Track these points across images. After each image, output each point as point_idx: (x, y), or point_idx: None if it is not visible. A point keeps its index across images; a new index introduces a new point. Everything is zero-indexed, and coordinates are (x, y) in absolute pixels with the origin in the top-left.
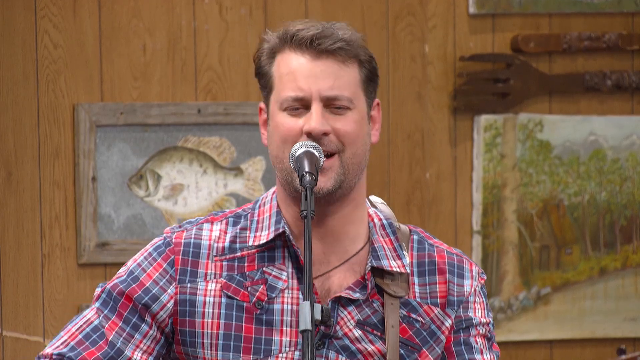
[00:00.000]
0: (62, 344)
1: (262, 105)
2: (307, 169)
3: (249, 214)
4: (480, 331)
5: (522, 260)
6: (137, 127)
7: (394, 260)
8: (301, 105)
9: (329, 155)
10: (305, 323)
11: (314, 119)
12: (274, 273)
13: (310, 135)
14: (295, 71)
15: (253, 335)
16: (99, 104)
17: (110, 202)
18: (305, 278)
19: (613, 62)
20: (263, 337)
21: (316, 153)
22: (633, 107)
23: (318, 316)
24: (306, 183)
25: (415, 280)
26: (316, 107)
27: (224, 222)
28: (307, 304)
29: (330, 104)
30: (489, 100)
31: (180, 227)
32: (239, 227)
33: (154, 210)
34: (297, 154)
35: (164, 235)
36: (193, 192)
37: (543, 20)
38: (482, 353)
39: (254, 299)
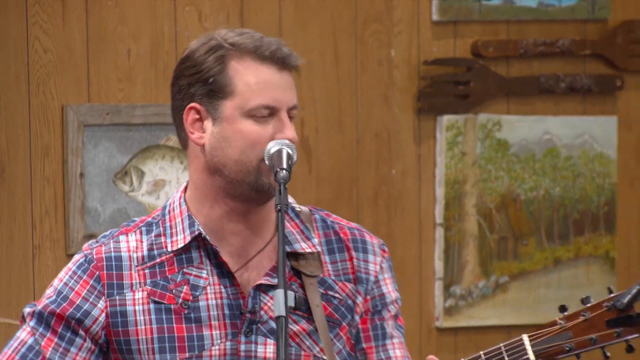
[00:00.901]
0: None
1: (197, 105)
2: (282, 165)
3: (159, 221)
4: (392, 312)
5: (481, 251)
6: (122, 126)
7: (304, 242)
8: (269, 114)
9: None
10: (280, 310)
11: (289, 128)
12: (194, 273)
13: (289, 141)
14: (267, 81)
15: (185, 334)
16: (86, 105)
17: (97, 197)
18: (280, 267)
19: (566, 66)
20: (195, 334)
21: (290, 151)
22: (585, 108)
23: (292, 303)
24: (280, 179)
25: (327, 258)
26: (286, 117)
27: (138, 232)
28: (281, 292)
29: (288, 113)
30: (451, 101)
31: (97, 242)
32: (152, 234)
33: (138, 204)
34: (272, 150)
35: (84, 252)
36: (174, 187)
37: (501, 27)
38: (392, 337)
39: (180, 300)
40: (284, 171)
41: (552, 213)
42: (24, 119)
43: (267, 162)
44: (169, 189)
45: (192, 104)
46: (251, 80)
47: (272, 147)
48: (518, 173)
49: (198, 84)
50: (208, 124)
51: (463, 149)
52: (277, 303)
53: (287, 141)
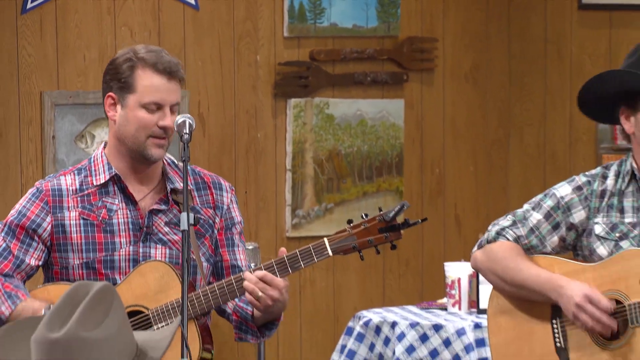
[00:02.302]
0: None
1: (113, 94)
2: (185, 131)
3: (86, 167)
4: (238, 229)
5: (316, 187)
6: (80, 105)
7: (181, 181)
8: (157, 108)
9: (164, 137)
10: (184, 226)
11: (168, 118)
12: (109, 201)
13: (164, 129)
14: (158, 86)
15: (103, 240)
16: (57, 91)
17: (64, 152)
18: (184, 198)
19: (371, 66)
20: (109, 240)
21: (191, 121)
22: (383, 94)
23: (192, 221)
24: (184, 140)
25: (196, 194)
26: (168, 111)
27: (72, 174)
28: (185, 214)
29: (171, 108)
30: (296, 89)
31: (44, 180)
32: (82, 175)
33: (91, 155)
34: (179, 121)
35: (36, 186)
36: None
37: (329, 40)
38: (238, 246)
39: (100, 218)
40: (186, 135)
41: (362, 162)
42: (16, 101)
43: (175, 128)
44: None
45: (110, 93)
46: (147, 84)
47: (180, 119)
48: (340, 136)
49: (115, 81)
50: (118, 107)
51: (304, 121)
52: (182, 221)
53: (189, 115)
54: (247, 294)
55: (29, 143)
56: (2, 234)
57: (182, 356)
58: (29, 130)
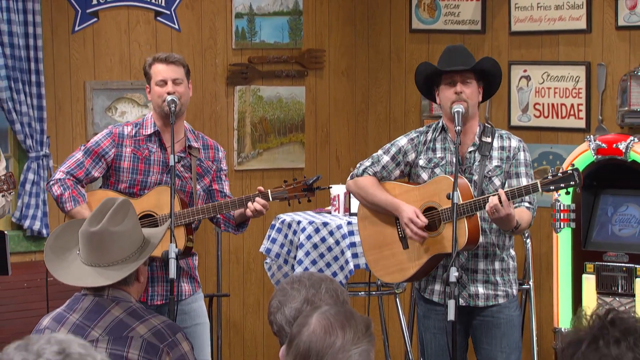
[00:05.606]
0: (66, 167)
1: (147, 85)
2: (172, 106)
3: (140, 123)
4: (225, 173)
5: (252, 139)
6: (108, 89)
7: (196, 142)
8: (164, 83)
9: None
10: (172, 162)
11: (170, 87)
12: (150, 145)
13: (170, 93)
14: (160, 69)
15: (143, 169)
16: (94, 81)
17: (98, 118)
18: (172, 143)
19: (285, 66)
20: (147, 169)
21: (177, 99)
22: (293, 83)
23: (175, 161)
24: (172, 111)
25: (202, 151)
26: (171, 83)
27: (131, 125)
28: (172, 156)
29: (174, 82)
30: (240, 80)
31: (114, 126)
32: (137, 128)
33: (115, 121)
34: (168, 99)
35: (109, 129)
36: (130, 115)
37: (259, 51)
38: (225, 181)
39: (144, 155)
40: (173, 107)
41: (279, 124)
42: (69, 87)
43: (166, 103)
44: (129, 116)
45: (147, 85)
46: (155, 70)
47: (169, 98)
48: (267, 109)
49: (146, 77)
50: (151, 92)
51: (245, 99)
52: (171, 161)
53: (173, 96)
54: (252, 208)
55: (76, 113)
56: (82, 152)
57: (170, 242)
58: (77, 104)
